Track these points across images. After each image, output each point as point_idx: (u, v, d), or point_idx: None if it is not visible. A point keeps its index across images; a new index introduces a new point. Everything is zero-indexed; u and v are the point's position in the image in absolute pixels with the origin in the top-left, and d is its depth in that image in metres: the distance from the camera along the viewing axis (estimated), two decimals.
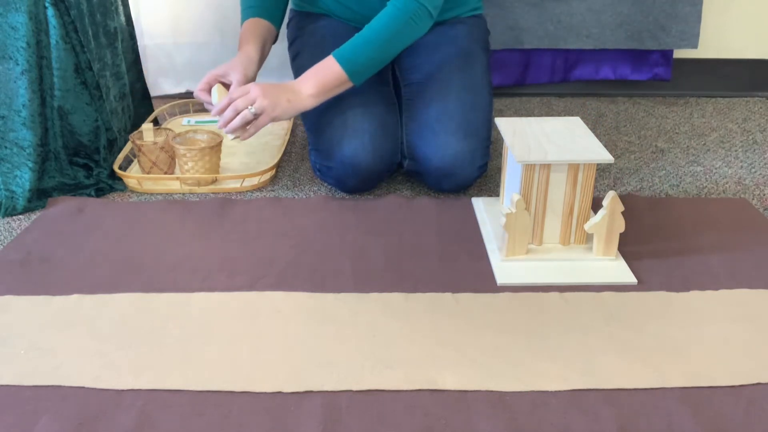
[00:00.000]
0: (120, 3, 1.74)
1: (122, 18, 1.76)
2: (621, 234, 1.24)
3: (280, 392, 0.95)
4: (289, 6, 1.79)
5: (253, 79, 1.48)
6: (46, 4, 1.43)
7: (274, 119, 1.37)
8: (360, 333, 1.07)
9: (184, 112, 2.00)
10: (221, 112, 1.36)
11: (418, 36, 1.44)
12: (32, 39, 1.43)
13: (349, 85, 1.41)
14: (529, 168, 1.22)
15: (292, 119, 1.89)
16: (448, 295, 1.16)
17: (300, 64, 1.63)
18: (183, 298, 1.15)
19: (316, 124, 1.50)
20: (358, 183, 1.48)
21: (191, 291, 1.17)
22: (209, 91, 1.46)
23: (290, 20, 1.75)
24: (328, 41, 1.58)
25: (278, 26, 1.61)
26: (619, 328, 1.07)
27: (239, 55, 1.49)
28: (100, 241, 1.33)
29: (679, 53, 2.17)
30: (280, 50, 2.05)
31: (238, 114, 1.35)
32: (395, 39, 1.41)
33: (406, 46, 1.44)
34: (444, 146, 1.43)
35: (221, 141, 1.60)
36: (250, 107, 1.34)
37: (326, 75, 1.38)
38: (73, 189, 1.53)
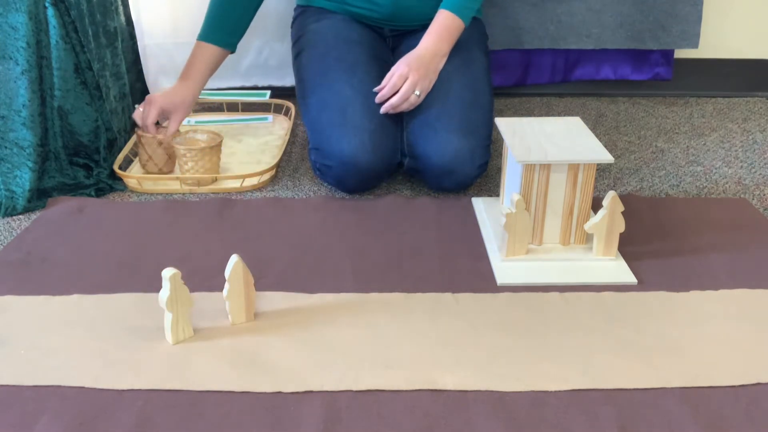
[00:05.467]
0: (120, 3, 1.74)
1: (122, 18, 1.76)
2: (621, 234, 1.24)
3: (280, 392, 0.95)
4: (295, 3, 1.78)
5: (183, 117, 1.60)
6: (46, 4, 1.43)
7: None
8: (360, 333, 1.07)
9: None
10: (386, 98, 1.45)
11: None
12: (32, 39, 1.43)
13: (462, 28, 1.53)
14: (529, 168, 1.22)
15: (291, 119, 1.89)
16: (448, 295, 1.16)
17: (301, 63, 1.63)
18: None
19: (315, 122, 1.50)
20: (358, 182, 1.48)
21: (191, 291, 1.16)
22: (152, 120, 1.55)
23: (295, 18, 1.75)
24: (330, 41, 1.58)
25: (234, 49, 1.63)
26: (619, 328, 1.07)
27: (186, 89, 1.59)
28: (100, 241, 1.33)
29: (680, 53, 2.17)
30: (281, 49, 2.05)
31: (405, 100, 1.44)
32: None
33: None
34: (444, 144, 1.43)
35: (221, 141, 1.60)
36: (417, 91, 1.44)
37: (452, 29, 1.51)
38: (73, 189, 1.54)
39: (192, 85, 1.59)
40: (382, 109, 1.45)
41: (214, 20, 1.58)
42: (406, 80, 1.44)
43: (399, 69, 1.45)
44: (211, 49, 1.59)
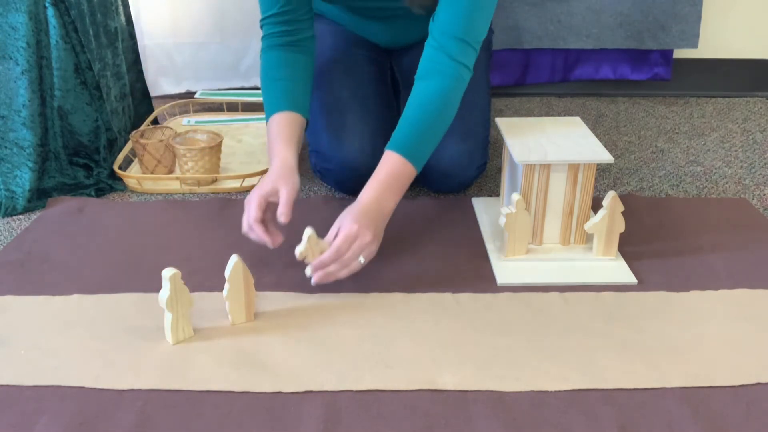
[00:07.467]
0: (120, 3, 1.74)
1: (122, 18, 1.76)
2: (621, 234, 1.24)
3: (280, 392, 0.95)
4: None
5: (298, 189, 1.21)
6: (46, 4, 1.43)
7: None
8: (360, 333, 1.07)
9: (184, 112, 2.00)
10: (325, 265, 1.11)
11: (461, 95, 1.26)
12: (32, 39, 1.43)
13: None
14: (529, 168, 1.22)
15: None
16: (448, 295, 1.16)
17: None
18: None
19: (315, 126, 1.50)
20: (358, 185, 1.47)
21: (191, 291, 1.16)
22: (263, 220, 1.19)
23: None
24: (328, 43, 1.57)
25: (308, 116, 1.35)
26: (619, 328, 1.07)
27: (278, 165, 1.22)
28: (100, 241, 1.33)
29: (679, 53, 2.17)
30: None
31: (345, 266, 1.12)
32: (445, 113, 1.24)
33: (455, 113, 1.26)
34: (442, 148, 1.42)
35: (221, 141, 1.60)
36: (361, 258, 1.13)
37: (403, 178, 1.21)
38: (73, 189, 1.54)
39: (284, 154, 1.24)
40: (314, 281, 1.12)
41: (280, 92, 1.32)
42: (354, 242, 1.12)
43: (345, 227, 1.13)
44: (288, 115, 1.30)
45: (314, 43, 1.38)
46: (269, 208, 1.19)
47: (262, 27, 1.36)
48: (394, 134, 1.22)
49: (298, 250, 1.11)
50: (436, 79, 1.22)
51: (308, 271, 1.12)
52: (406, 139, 1.21)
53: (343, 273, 1.12)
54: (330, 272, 1.11)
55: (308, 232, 1.10)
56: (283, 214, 1.16)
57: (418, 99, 1.23)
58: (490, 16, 1.27)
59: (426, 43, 1.25)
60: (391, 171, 1.20)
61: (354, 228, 1.12)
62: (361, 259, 1.13)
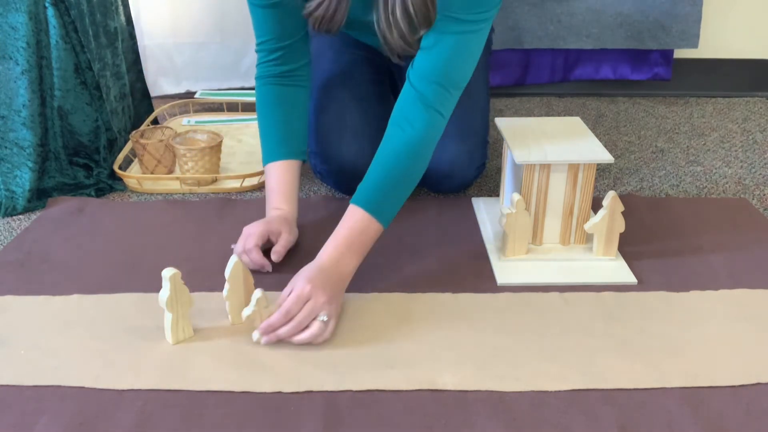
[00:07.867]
0: (120, 3, 1.74)
1: (122, 18, 1.76)
2: (621, 234, 1.24)
3: (280, 392, 0.95)
4: None
5: (296, 240, 1.28)
6: (46, 4, 1.43)
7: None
8: (360, 333, 1.07)
9: (184, 112, 2.00)
10: (274, 328, 1.02)
11: (435, 144, 1.20)
12: (32, 39, 1.43)
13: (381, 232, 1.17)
14: (529, 168, 1.22)
15: None
16: (448, 295, 1.16)
17: None
18: None
19: (315, 128, 1.49)
20: (357, 186, 1.48)
21: (191, 291, 1.16)
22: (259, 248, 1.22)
23: None
24: (327, 44, 1.57)
25: (305, 157, 1.36)
26: (619, 328, 1.07)
27: (281, 215, 1.28)
28: (100, 241, 1.33)
29: (679, 53, 2.17)
30: None
31: (303, 327, 1.03)
32: (415, 166, 1.18)
33: (427, 163, 1.20)
34: (442, 149, 1.42)
35: (221, 141, 1.60)
36: (321, 316, 1.03)
37: (367, 235, 1.13)
38: (73, 189, 1.54)
39: (285, 209, 1.29)
40: (264, 342, 1.02)
41: (277, 138, 1.33)
42: (306, 302, 1.03)
43: (298, 287, 1.04)
44: (285, 165, 1.32)
45: (309, 70, 1.37)
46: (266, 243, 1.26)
47: (257, 53, 1.34)
48: (361, 186, 1.16)
49: (245, 314, 1.02)
50: (407, 130, 1.15)
51: (255, 334, 1.02)
52: (372, 193, 1.14)
53: (305, 336, 1.02)
54: (281, 335, 1.02)
55: (257, 294, 1.02)
56: (276, 253, 1.23)
57: (387, 150, 1.17)
58: (473, 61, 1.17)
59: (403, 87, 1.19)
60: (355, 228, 1.12)
61: (307, 288, 1.03)
62: (324, 317, 1.02)
